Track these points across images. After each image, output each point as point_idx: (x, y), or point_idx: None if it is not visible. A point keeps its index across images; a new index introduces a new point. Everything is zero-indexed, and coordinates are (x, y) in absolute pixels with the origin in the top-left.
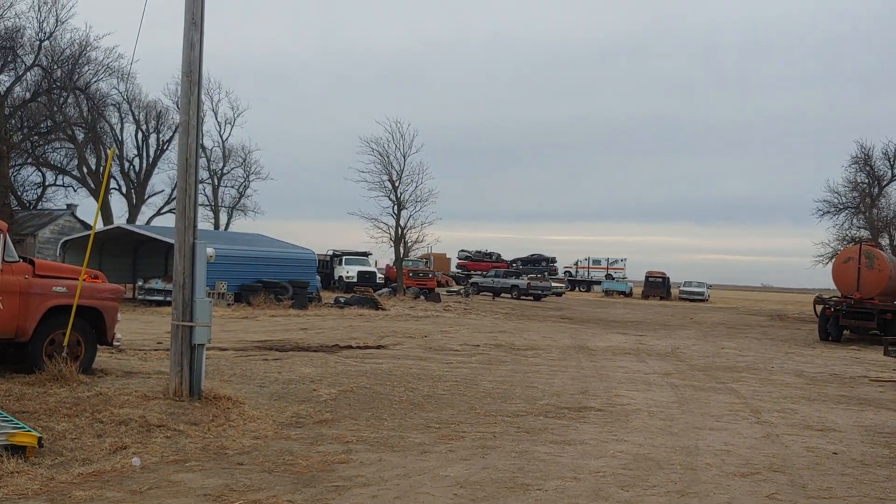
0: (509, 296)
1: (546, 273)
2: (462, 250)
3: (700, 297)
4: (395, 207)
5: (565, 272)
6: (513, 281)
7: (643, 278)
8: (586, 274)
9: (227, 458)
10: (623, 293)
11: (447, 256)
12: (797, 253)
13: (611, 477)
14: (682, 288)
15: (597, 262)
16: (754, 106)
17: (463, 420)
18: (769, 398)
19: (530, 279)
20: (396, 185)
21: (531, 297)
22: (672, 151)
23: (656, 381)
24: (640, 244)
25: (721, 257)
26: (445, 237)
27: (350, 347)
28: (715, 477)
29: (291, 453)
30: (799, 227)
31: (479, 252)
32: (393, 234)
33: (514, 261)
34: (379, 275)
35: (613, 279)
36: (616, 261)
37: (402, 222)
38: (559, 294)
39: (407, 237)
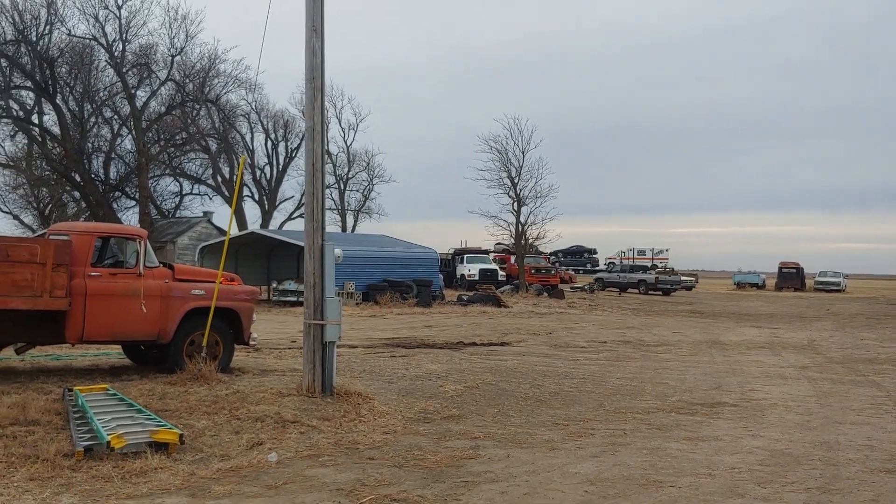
0: (636, 291)
1: (588, 264)
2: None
3: (836, 288)
4: (515, 204)
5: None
6: (640, 275)
7: (776, 270)
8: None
9: (359, 452)
10: (756, 285)
11: (482, 249)
12: None
13: (747, 473)
14: (817, 278)
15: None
16: (882, 87)
17: (591, 417)
18: None
19: (658, 273)
20: (516, 181)
21: (660, 292)
22: (797, 137)
23: (792, 375)
24: (765, 235)
25: (849, 246)
26: (567, 232)
27: (474, 344)
28: (858, 473)
29: (420, 448)
30: None
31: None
32: (513, 231)
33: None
34: (500, 272)
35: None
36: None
37: (522, 219)
38: (689, 288)
39: (528, 234)
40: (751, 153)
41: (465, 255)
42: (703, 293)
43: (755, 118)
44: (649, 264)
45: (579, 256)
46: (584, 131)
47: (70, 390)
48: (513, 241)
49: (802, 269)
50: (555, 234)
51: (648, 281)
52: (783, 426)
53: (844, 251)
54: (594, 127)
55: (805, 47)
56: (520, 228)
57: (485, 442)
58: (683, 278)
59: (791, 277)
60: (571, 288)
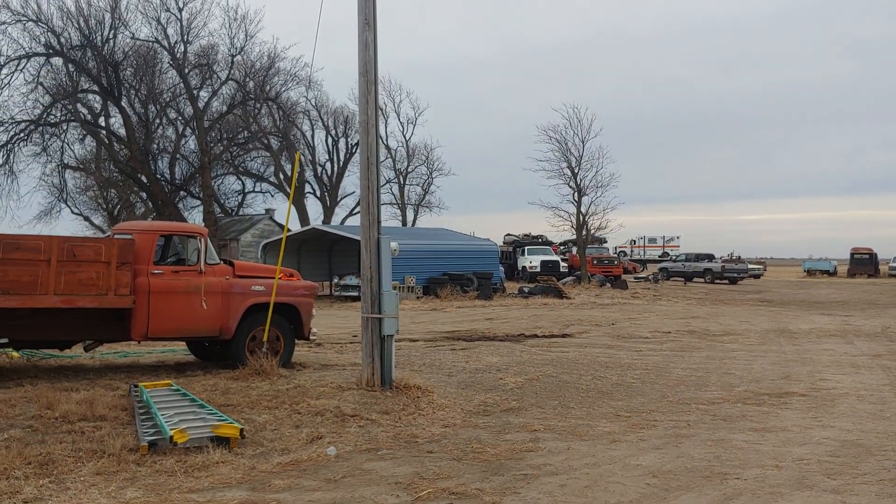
0: (702, 280)
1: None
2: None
3: None
4: (576, 194)
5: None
6: (705, 264)
7: (848, 256)
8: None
9: (418, 446)
10: (827, 272)
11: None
12: None
13: (816, 465)
14: (891, 264)
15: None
16: None
17: (654, 408)
18: None
19: (724, 261)
20: (576, 171)
21: (726, 281)
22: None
23: (865, 364)
24: (837, 220)
25: None
26: (629, 222)
27: (535, 336)
28: None
29: (479, 441)
30: None
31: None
32: (574, 221)
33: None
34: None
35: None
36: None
37: (583, 209)
38: (757, 276)
39: (589, 224)
40: (819, 136)
41: (526, 247)
42: (772, 281)
43: (823, 100)
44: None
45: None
46: (644, 118)
47: (136, 386)
48: (573, 230)
49: (876, 254)
50: (616, 224)
51: (714, 270)
52: (855, 416)
53: None
54: (654, 113)
55: (873, 25)
56: (581, 219)
57: (544, 434)
58: (751, 266)
59: (864, 263)
60: (635, 278)
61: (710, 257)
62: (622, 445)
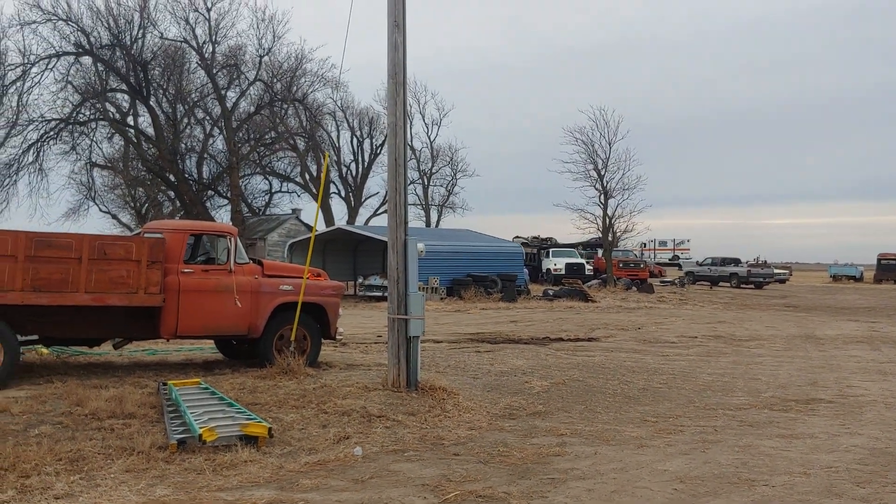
0: (728, 284)
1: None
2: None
3: None
4: (602, 197)
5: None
6: (731, 268)
7: (875, 261)
8: (652, 256)
9: (444, 448)
10: (853, 277)
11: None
12: None
13: (844, 472)
14: None
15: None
16: None
17: (681, 413)
18: None
19: (750, 266)
20: (602, 173)
21: (752, 286)
22: (893, 122)
23: (893, 371)
24: (863, 225)
25: None
26: (655, 225)
27: (560, 340)
28: None
29: (506, 445)
30: None
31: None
32: (600, 223)
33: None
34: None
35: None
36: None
37: (609, 211)
38: (783, 281)
39: (615, 226)
40: (847, 140)
41: (551, 249)
42: (798, 286)
43: (852, 103)
44: (671, 255)
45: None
46: (672, 121)
47: (164, 384)
48: (600, 233)
49: None
50: (643, 227)
51: (740, 274)
52: (883, 424)
53: None
54: (681, 116)
55: None
56: (607, 221)
57: (571, 439)
58: (777, 271)
59: (891, 269)
60: (661, 282)
61: (737, 261)
62: (649, 450)
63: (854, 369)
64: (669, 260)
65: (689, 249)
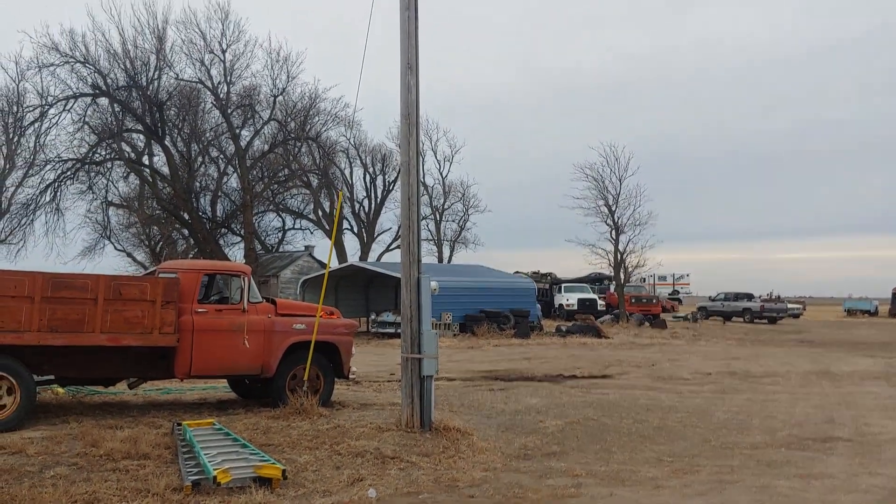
0: (741, 319)
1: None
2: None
3: None
4: (613, 232)
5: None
6: (744, 304)
7: (889, 295)
8: (652, 290)
9: (458, 490)
10: (868, 312)
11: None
12: None
13: None
14: None
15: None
16: None
17: (697, 453)
18: None
19: (764, 301)
20: (613, 209)
21: (765, 321)
22: None
23: None
24: (877, 258)
25: None
26: (667, 260)
27: (574, 377)
28: None
29: (521, 486)
30: None
31: (536, 273)
32: (612, 259)
33: (572, 280)
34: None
35: (679, 294)
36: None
37: (620, 247)
38: (796, 316)
39: (627, 262)
40: (859, 174)
41: (563, 284)
42: (812, 321)
43: (861, 138)
44: (671, 290)
45: (599, 284)
46: (683, 155)
47: (179, 424)
48: (612, 268)
49: None
50: (655, 263)
51: (754, 309)
52: None
53: None
54: (692, 151)
55: None
56: (618, 257)
57: (587, 480)
58: (790, 306)
59: None
60: (674, 317)
61: (750, 296)
62: (665, 492)
63: (871, 406)
64: (669, 295)
65: (688, 284)
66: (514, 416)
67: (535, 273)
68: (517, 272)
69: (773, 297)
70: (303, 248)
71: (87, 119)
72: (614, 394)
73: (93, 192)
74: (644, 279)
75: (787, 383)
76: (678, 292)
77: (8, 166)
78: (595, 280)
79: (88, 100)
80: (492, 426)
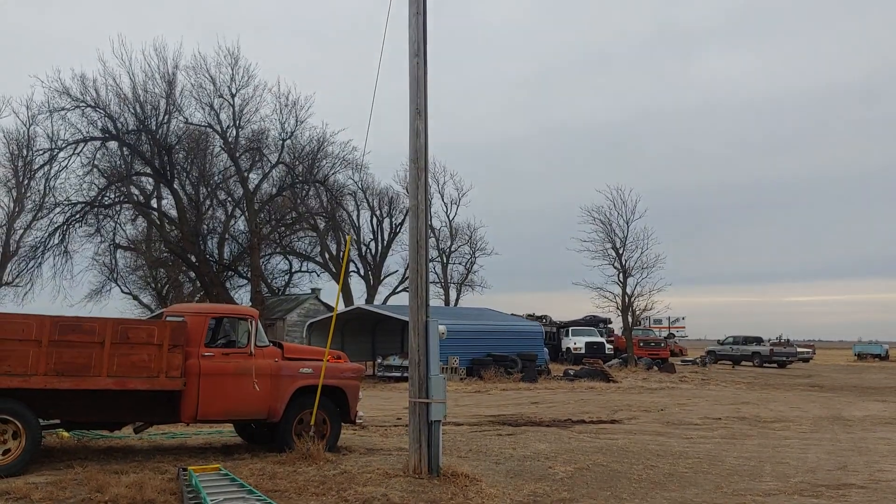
0: (750, 363)
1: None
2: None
3: None
4: (621, 275)
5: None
6: (753, 347)
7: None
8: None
9: None
10: (878, 356)
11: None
12: None
13: None
14: None
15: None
16: None
17: (709, 500)
18: None
19: (773, 344)
20: (621, 252)
21: (775, 365)
22: None
23: None
24: (887, 302)
25: None
26: (675, 303)
27: (583, 422)
28: None
29: None
30: None
31: (531, 315)
32: (619, 302)
33: (567, 323)
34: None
35: (675, 337)
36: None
37: (628, 290)
38: (806, 360)
39: (635, 305)
40: (868, 216)
41: (571, 328)
42: (821, 365)
43: (870, 179)
44: (666, 333)
45: (593, 327)
46: (688, 199)
47: (184, 470)
48: (619, 312)
49: None
50: (663, 306)
51: (763, 353)
52: None
53: None
54: (698, 194)
55: None
56: (626, 300)
57: None
58: (800, 349)
59: None
60: (682, 361)
61: (759, 340)
62: None
63: (885, 452)
64: (665, 338)
65: (684, 327)
66: (522, 461)
67: (529, 315)
68: (513, 315)
69: (783, 340)
70: (309, 291)
71: (96, 162)
72: (624, 439)
73: (101, 235)
74: (639, 322)
75: (798, 428)
76: (674, 335)
77: (17, 209)
78: (590, 323)
79: (98, 143)
80: (500, 472)
